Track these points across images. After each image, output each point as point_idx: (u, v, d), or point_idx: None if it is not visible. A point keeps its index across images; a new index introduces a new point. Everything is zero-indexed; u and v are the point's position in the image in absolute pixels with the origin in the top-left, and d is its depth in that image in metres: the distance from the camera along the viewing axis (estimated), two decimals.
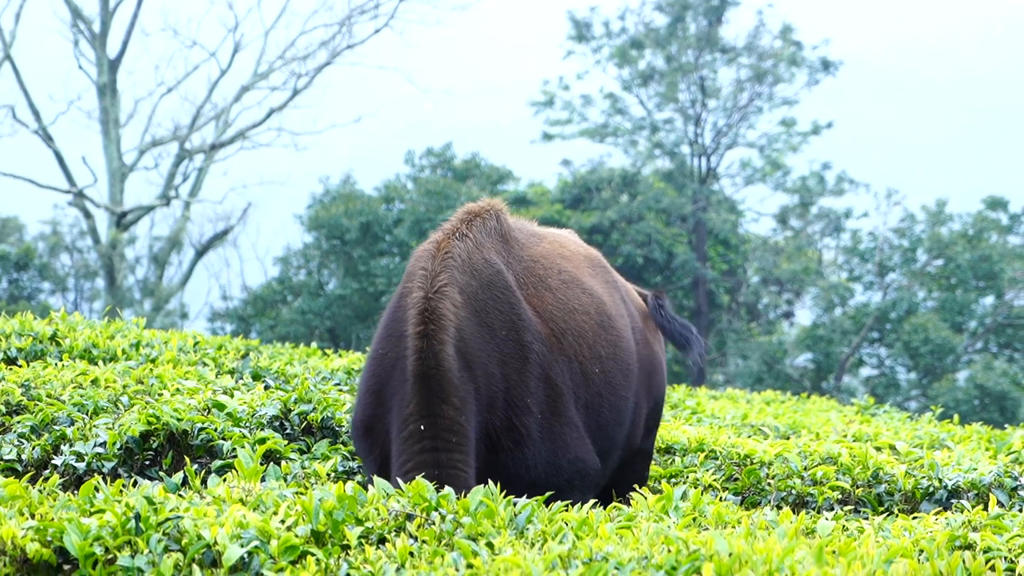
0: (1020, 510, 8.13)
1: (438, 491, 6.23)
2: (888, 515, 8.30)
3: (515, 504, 6.17)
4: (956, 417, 15.71)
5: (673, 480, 9.31)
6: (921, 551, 6.09)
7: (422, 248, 7.68)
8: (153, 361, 11.62)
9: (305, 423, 9.17)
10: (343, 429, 9.08)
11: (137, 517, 5.64)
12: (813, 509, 8.72)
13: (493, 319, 7.49)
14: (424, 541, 5.79)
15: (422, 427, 7.12)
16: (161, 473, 8.09)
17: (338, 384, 11.05)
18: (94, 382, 10.11)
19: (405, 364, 7.25)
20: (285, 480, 7.63)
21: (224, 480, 6.78)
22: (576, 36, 61.46)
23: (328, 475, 7.89)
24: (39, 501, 6.16)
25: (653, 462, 9.75)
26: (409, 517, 5.99)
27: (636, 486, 8.05)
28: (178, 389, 9.82)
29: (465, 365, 7.28)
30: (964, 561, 5.70)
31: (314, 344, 16.36)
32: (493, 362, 7.42)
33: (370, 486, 6.36)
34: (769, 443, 10.09)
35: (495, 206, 8.05)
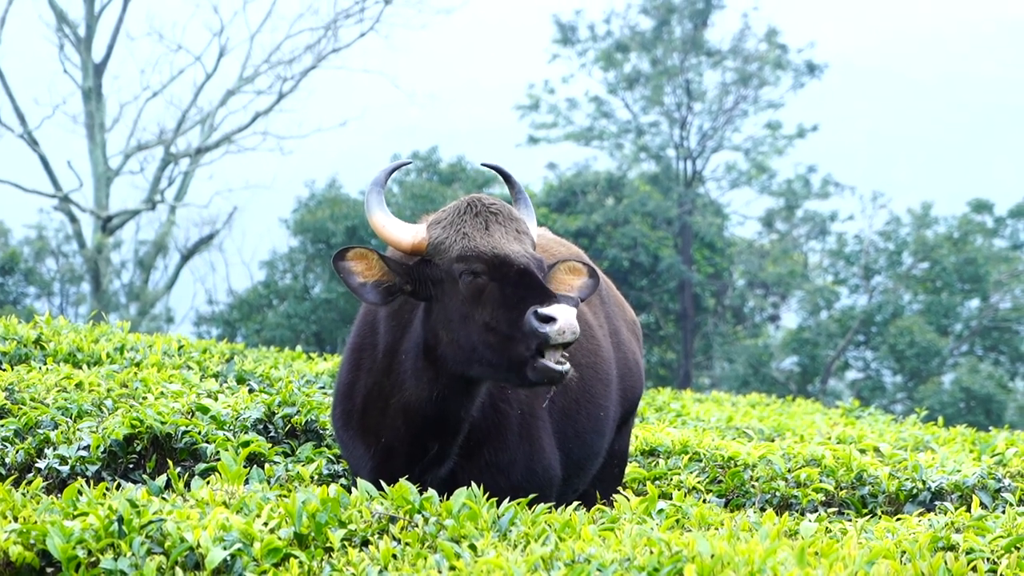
0: (1003, 512, 8.14)
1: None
2: (872, 517, 8.31)
3: (498, 506, 6.17)
4: (941, 420, 15.72)
5: (657, 482, 9.31)
6: (903, 552, 6.10)
7: None
8: (137, 365, 11.58)
9: (289, 426, 9.16)
10: (327, 432, 9.07)
11: (120, 520, 5.64)
12: (797, 511, 8.71)
13: None
14: (407, 543, 5.79)
15: None
16: (145, 476, 8.09)
17: (322, 387, 11.03)
18: (78, 386, 10.09)
19: (376, 354, 7.26)
20: (268, 483, 7.63)
21: (207, 483, 6.76)
22: (561, 40, 61.52)
23: (312, 478, 7.88)
24: (22, 504, 6.15)
25: (637, 464, 9.75)
26: (392, 519, 5.99)
27: (620, 489, 8.02)
28: (162, 392, 9.79)
29: None
30: (946, 562, 5.70)
31: (299, 348, 16.36)
32: None
33: (353, 489, 6.37)
34: (753, 445, 10.10)
35: None
